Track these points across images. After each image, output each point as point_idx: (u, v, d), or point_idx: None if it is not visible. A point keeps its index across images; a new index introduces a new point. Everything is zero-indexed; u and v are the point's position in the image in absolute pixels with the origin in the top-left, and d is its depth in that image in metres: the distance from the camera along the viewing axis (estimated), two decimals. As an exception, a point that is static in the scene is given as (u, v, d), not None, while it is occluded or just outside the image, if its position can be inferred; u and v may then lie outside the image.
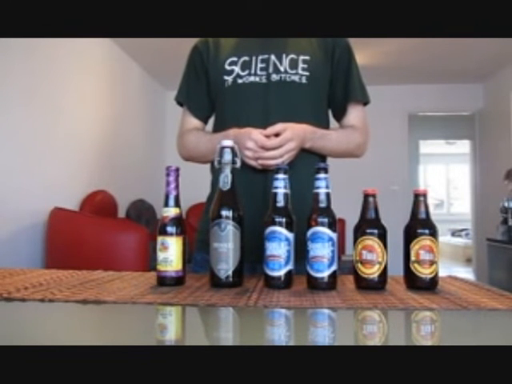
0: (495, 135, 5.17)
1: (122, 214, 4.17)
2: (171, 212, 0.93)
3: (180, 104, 1.35)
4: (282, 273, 0.88)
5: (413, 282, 0.89)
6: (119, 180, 4.20)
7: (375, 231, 0.89)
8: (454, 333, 0.67)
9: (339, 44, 1.26)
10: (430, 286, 0.88)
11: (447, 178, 10.86)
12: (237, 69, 1.21)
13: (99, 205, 3.61)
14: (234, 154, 0.94)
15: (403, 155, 5.67)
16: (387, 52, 4.49)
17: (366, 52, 4.51)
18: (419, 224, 0.90)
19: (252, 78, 1.20)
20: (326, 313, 0.75)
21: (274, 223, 0.89)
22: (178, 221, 0.92)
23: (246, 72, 1.21)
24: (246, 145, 1.09)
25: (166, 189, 0.94)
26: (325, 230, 0.88)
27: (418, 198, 0.91)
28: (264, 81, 1.20)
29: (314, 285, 0.88)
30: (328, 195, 0.91)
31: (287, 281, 0.89)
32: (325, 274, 0.88)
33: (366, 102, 1.30)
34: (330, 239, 0.88)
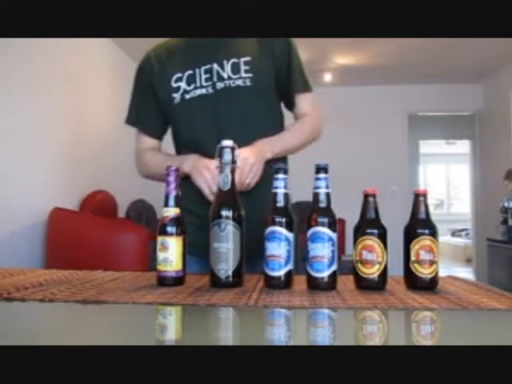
0: (495, 135, 5.17)
1: (122, 214, 4.17)
2: (171, 212, 0.93)
3: (132, 125, 1.36)
4: (281, 273, 0.88)
5: (413, 282, 0.89)
6: (119, 180, 4.20)
7: (375, 231, 0.89)
8: (454, 333, 0.67)
9: (278, 38, 1.26)
10: (430, 285, 0.88)
11: (447, 178, 10.86)
12: (183, 84, 1.22)
13: (99, 205, 3.61)
14: (234, 154, 0.94)
15: (403, 155, 5.67)
16: (387, 52, 4.49)
17: (366, 52, 4.52)
18: (419, 224, 0.89)
19: (199, 91, 1.21)
20: (326, 313, 0.75)
21: (273, 223, 0.89)
22: (177, 221, 0.92)
23: (192, 86, 1.21)
24: (202, 174, 1.10)
25: (166, 189, 0.94)
26: (325, 230, 0.88)
27: (418, 198, 0.91)
28: (211, 91, 1.21)
29: (314, 285, 0.88)
30: (328, 195, 0.91)
31: (287, 281, 0.89)
32: (325, 274, 0.87)
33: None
34: (330, 239, 0.88)
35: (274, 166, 0.94)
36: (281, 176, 0.92)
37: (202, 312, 0.74)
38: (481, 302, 0.77)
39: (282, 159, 1.25)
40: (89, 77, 3.79)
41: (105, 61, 4.06)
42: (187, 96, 1.22)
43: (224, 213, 0.90)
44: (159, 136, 1.35)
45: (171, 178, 0.94)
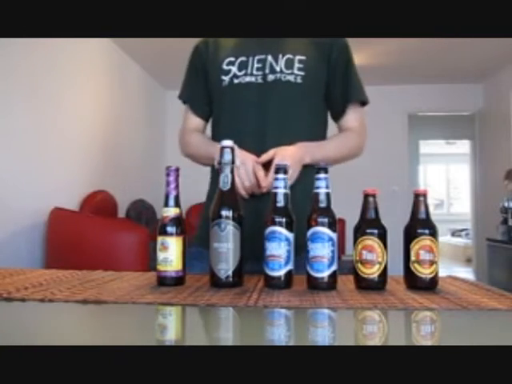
0: (495, 135, 5.17)
1: (122, 214, 4.17)
2: (171, 212, 0.93)
3: (183, 102, 1.37)
4: (281, 273, 0.88)
5: (413, 282, 0.89)
6: (119, 180, 4.20)
7: (375, 231, 0.89)
8: (454, 333, 0.67)
9: (337, 44, 1.26)
10: (430, 285, 0.88)
11: (447, 178, 10.86)
12: (234, 69, 1.23)
13: (99, 205, 3.61)
14: (234, 154, 0.94)
15: (403, 155, 5.67)
16: (387, 52, 4.49)
17: (366, 52, 4.51)
18: (419, 224, 0.89)
19: (248, 78, 1.22)
20: (326, 313, 0.75)
21: (274, 223, 0.89)
22: (178, 221, 0.92)
23: (243, 72, 1.22)
24: (238, 168, 1.08)
25: (166, 189, 0.94)
26: (325, 230, 0.88)
27: (418, 198, 0.91)
28: (260, 81, 1.21)
29: (314, 285, 0.88)
30: (328, 195, 0.91)
31: (287, 281, 0.89)
32: (325, 274, 0.87)
33: (364, 103, 1.30)
34: (330, 239, 0.88)
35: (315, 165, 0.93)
36: (281, 176, 0.92)
37: (202, 312, 0.74)
38: (481, 302, 0.77)
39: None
40: (88, 76, 3.79)
41: (105, 61, 4.07)
42: (236, 81, 1.22)
43: (224, 213, 0.90)
44: (206, 117, 1.36)
45: (171, 178, 0.94)
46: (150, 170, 4.94)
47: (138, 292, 0.84)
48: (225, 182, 0.93)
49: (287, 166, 0.94)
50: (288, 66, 1.21)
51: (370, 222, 0.90)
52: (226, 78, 1.23)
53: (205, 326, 0.72)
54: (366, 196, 0.92)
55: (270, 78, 1.21)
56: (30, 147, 2.97)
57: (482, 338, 0.63)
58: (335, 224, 0.89)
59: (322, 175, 0.91)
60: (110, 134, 4.10)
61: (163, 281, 0.90)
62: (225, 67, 1.24)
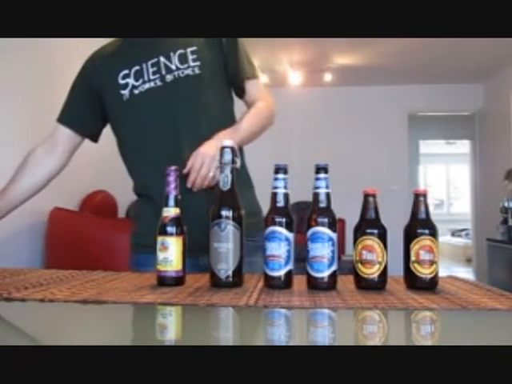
0: (495, 135, 5.17)
1: (122, 214, 4.17)
2: (171, 212, 0.93)
3: (64, 125, 1.37)
4: (281, 273, 0.88)
5: (413, 282, 0.89)
6: (119, 180, 4.18)
7: (375, 231, 0.89)
8: (454, 333, 0.67)
9: None
10: (430, 285, 0.88)
11: (447, 178, 10.86)
12: (131, 80, 1.21)
13: (99, 205, 3.61)
14: (234, 154, 0.94)
15: (403, 155, 5.67)
16: (387, 52, 4.49)
17: (366, 52, 4.52)
18: (419, 224, 0.89)
19: (147, 85, 1.20)
20: (326, 313, 0.75)
21: (274, 223, 0.89)
22: (177, 221, 0.92)
23: (140, 81, 1.21)
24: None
25: (166, 189, 0.94)
26: (325, 230, 0.88)
27: (418, 198, 0.91)
28: (159, 83, 1.20)
29: (314, 285, 0.88)
30: (328, 195, 0.91)
31: (287, 281, 0.89)
32: (325, 273, 0.87)
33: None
34: (330, 239, 0.88)
35: (315, 165, 0.93)
36: (281, 176, 0.92)
37: (202, 312, 0.74)
38: (481, 302, 0.77)
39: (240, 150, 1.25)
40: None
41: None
42: (136, 91, 1.21)
43: (224, 213, 0.90)
44: (91, 136, 1.38)
45: (171, 178, 0.94)
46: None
47: (138, 292, 0.84)
48: (225, 182, 0.93)
49: (287, 165, 0.94)
50: (182, 60, 1.20)
51: (370, 222, 0.90)
52: (125, 92, 1.21)
53: (205, 326, 0.72)
54: (366, 196, 0.92)
55: (169, 78, 1.20)
56: (30, 147, 2.96)
57: (481, 338, 0.63)
58: (335, 224, 0.89)
59: (322, 175, 0.91)
60: (110, 134, 4.09)
61: (163, 281, 0.90)
62: (121, 81, 1.22)
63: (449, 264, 7.51)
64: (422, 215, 0.90)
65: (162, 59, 1.20)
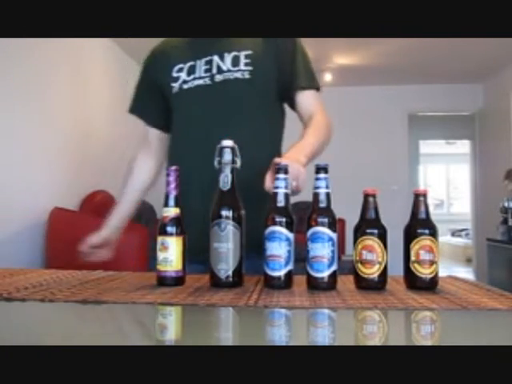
0: (495, 135, 5.17)
1: (122, 214, 4.16)
2: (171, 212, 0.93)
3: (132, 113, 1.42)
4: (282, 273, 0.88)
5: (413, 282, 0.89)
6: (119, 180, 4.19)
7: (375, 231, 0.89)
8: (454, 333, 0.67)
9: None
10: (430, 286, 0.88)
11: (447, 178, 10.86)
12: (183, 75, 1.23)
13: (99, 205, 3.61)
14: (234, 154, 0.94)
15: (403, 155, 5.67)
16: (387, 52, 4.49)
17: (366, 52, 4.51)
18: (419, 224, 0.89)
19: (197, 82, 1.22)
20: (326, 313, 0.75)
21: (274, 223, 0.89)
22: (178, 221, 0.92)
23: (192, 77, 1.22)
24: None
25: (166, 189, 0.94)
26: (325, 230, 0.88)
27: (418, 198, 0.91)
28: (208, 82, 1.21)
29: (314, 285, 0.88)
30: (328, 195, 0.91)
31: (287, 281, 0.89)
32: (325, 274, 0.87)
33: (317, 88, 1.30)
34: (330, 239, 0.88)
35: (315, 165, 0.93)
36: (281, 176, 0.92)
37: (202, 312, 0.74)
38: (481, 302, 0.77)
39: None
40: (88, 77, 3.79)
41: (105, 61, 4.06)
42: (185, 86, 1.22)
43: (224, 213, 0.90)
44: (162, 126, 1.37)
45: (171, 178, 0.94)
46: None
47: (138, 292, 0.84)
48: (225, 182, 0.93)
49: (287, 165, 0.94)
50: (234, 63, 1.20)
51: (370, 222, 0.90)
52: (175, 85, 1.24)
53: (205, 326, 0.72)
54: (366, 196, 0.92)
55: (218, 78, 1.20)
56: (30, 147, 2.97)
57: (481, 338, 0.63)
58: (335, 224, 0.89)
59: (321, 175, 0.91)
60: (110, 134, 4.10)
61: (163, 281, 0.90)
62: (174, 74, 1.24)
63: (449, 264, 7.51)
64: (422, 215, 0.90)
65: (215, 58, 1.21)
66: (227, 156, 0.93)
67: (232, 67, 1.20)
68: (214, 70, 1.21)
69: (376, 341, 0.64)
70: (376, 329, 0.71)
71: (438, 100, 5.59)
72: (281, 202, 0.91)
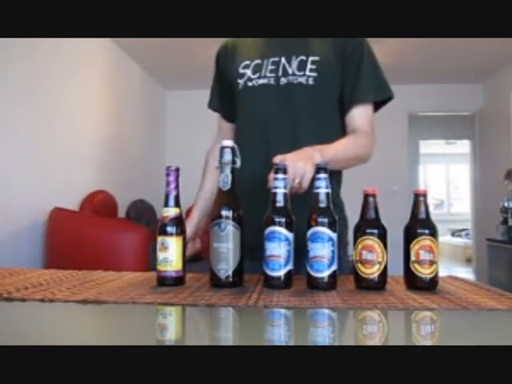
0: (495, 135, 5.17)
1: (122, 214, 4.17)
2: (171, 212, 0.93)
3: (215, 111, 1.41)
4: (281, 273, 0.88)
5: (413, 282, 0.89)
6: (119, 180, 4.20)
7: (375, 231, 0.89)
8: (454, 333, 0.67)
9: (351, 41, 1.22)
10: (430, 286, 0.88)
11: (447, 178, 10.86)
12: (249, 72, 1.24)
13: (99, 205, 3.61)
14: (234, 154, 0.94)
15: (403, 155, 5.67)
16: (388, 52, 4.49)
17: (366, 52, 4.51)
18: (419, 224, 0.89)
19: (261, 81, 1.22)
20: (326, 313, 0.75)
21: (273, 223, 0.89)
22: (178, 221, 0.92)
23: (257, 75, 1.23)
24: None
25: (166, 189, 0.94)
26: (325, 230, 0.88)
27: (418, 198, 0.91)
28: (273, 83, 1.21)
29: (314, 285, 0.88)
30: (328, 195, 0.91)
31: (287, 281, 0.89)
32: (325, 274, 0.87)
33: (380, 102, 1.26)
34: (330, 239, 0.88)
35: (315, 165, 0.93)
36: (281, 176, 0.92)
37: (202, 312, 0.74)
38: (481, 302, 0.77)
39: (336, 173, 1.20)
40: (88, 77, 3.79)
41: (105, 61, 4.06)
42: (250, 83, 1.23)
43: (224, 213, 0.90)
44: (233, 119, 1.36)
45: (171, 178, 0.94)
46: (150, 170, 4.94)
47: (138, 292, 0.84)
48: (225, 182, 0.93)
49: (286, 165, 0.93)
50: (300, 67, 1.20)
51: (370, 222, 0.90)
52: (240, 82, 1.25)
53: (205, 326, 0.72)
54: (366, 196, 0.92)
55: (283, 81, 1.20)
56: (30, 147, 2.97)
57: (482, 338, 0.63)
58: (335, 224, 0.89)
59: (321, 175, 0.91)
60: (110, 134, 4.10)
61: (163, 281, 0.90)
62: (240, 70, 1.25)
63: (449, 264, 7.51)
64: (422, 215, 0.90)
65: (282, 60, 1.21)
66: (227, 156, 0.93)
67: (297, 71, 1.20)
68: (280, 72, 1.21)
69: (376, 341, 0.64)
70: (376, 329, 0.71)
71: (438, 100, 5.59)
72: (280, 202, 0.91)
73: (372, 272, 0.88)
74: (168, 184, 0.93)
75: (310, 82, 1.19)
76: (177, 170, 0.94)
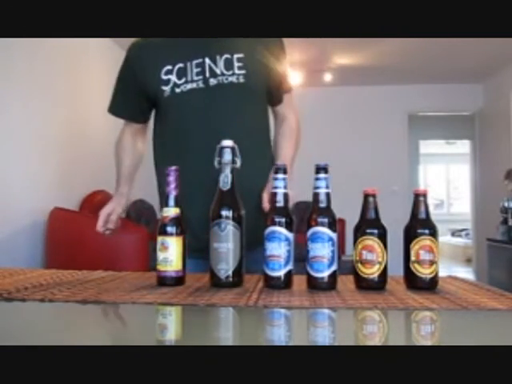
0: (495, 135, 5.17)
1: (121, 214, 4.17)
2: (171, 212, 0.93)
3: (114, 115, 1.38)
4: (281, 273, 0.88)
5: (413, 282, 0.89)
6: (119, 180, 4.19)
7: (375, 231, 0.89)
8: (454, 333, 0.67)
9: (271, 39, 1.26)
10: (430, 286, 0.88)
11: (447, 178, 10.86)
12: (173, 78, 1.18)
13: (99, 205, 3.59)
14: (234, 154, 0.94)
15: (403, 155, 5.67)
16: (387, 52, 4.49)
17: (366, 52, 4.51)
18: (419, 224, 0.89)
19: (189, 86, 1.18)
20: (326, 313, 0.75)
21: (273, 223, 0.89)
22: (177, 221, 0.92)
23: (183, 80, 1.18)
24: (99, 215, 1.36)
25: (165, 189, 0.94)
26: (325, 230, 0.88)
27: (418, 198, 0.91)
28: (201, 86, 1.18)
29: (314, 285, 0.88)
30: (328, 195, 0.91)
31: (287, 281, 0.89)
32: (325, 274, 0.87)
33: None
34: (330, 239, 0.88)
35: (315, 165, 0.93)
36: (280, 176, 0.92)
37: (202, 312, 0.74)
38: (481, 302, 0.77)
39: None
40: (88, 77, 3.79)
41: (105, 61, 4.06)
42: (177, 90, 1.18)
43: (224, 213, 0.90)
44: (143, 121, 1.36)
45: (171, 178, 0.94)
46: (150, 170, 4.93)
47: (138, 292, 0.84)
48: (225, 182, 0.93)
49: (286, 166, 0.94)
50: (228, 66, 1.19)
51: (370, 222, 0.90)
52: (166, 88, 1.19)
53: (205, 326, 0.72)
54: (366, 196, 0.92)
55: (212, 82, 1.18)
56: (30, 147, 2.97)
57: (482, 338, 0.63)
58: (335, 224, 0.89)
59: (321, 175, 0.91)
60: (110, 134, 4.09)
61: (163, 281, 0.90)
62: (163, 77, 1.19)
63: (449, 264, 7.51)
64: (422, 215, 0.90)
65: (207, 60, 1.19)
66: (227, 156, 0.93)
67: (226, 71, 1.18)
68: (208, 74, 1.18)
69: (376, 341, 0.64)
70: (376, 329, 0.71)
71: (438, 100, 5.59)
72: (280, 202, 0.91)
73: (372, 272, 0.88)
74: (168, 184, 0.93)
75: (241, 79, 1.19)
76: (177, 170, 0.94)
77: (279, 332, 0.68)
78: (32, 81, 2.98)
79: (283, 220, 0.89)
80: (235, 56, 1.19)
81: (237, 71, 1.19)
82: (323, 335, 0.67)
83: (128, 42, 1.37)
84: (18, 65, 2.84)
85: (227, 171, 0.93)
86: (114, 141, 1.43)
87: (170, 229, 0.91)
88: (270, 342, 0.62)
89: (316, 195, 0.91)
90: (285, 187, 0.92)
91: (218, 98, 1.18)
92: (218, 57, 1.19)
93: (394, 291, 0.87)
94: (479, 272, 5.47)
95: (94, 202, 3.60)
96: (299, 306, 0.75)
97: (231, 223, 0.90)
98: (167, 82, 1.19)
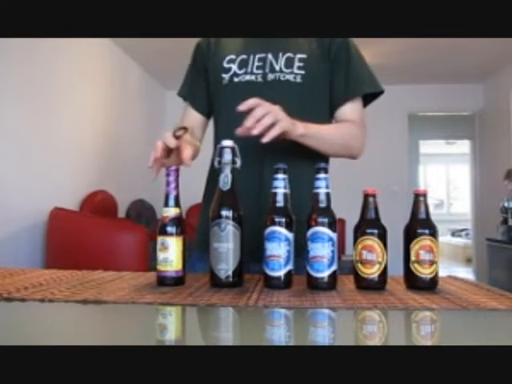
0: (495, 135, 5.17)
1: (122, 214, 4.17)
2: (171, 212, 0.93)
3: (183, 98, 1.36)
4: (281, 273, 0.88)
5: (413, 282, 0.89)
6: (119, 180, 4.20)
7: (375, 231, 0.89)
8: (454, 333, 0.67)
9: (335, 41, 1.24)
10: (430, 285, 0.88)
11: (447, 178, 10.86)
12: (234, 67, 1.22)
13: (99, 205, 3.61)
14: (234, 154, 0.94)
15: (403, 155, 5.67)
16: (387, 52, 4.49)
17: (366, 52, 4.50)
18: (419, 224, 0.89)
19: (248, 77, 1.21)
20: (326, 313, 0.75)
21: (273, 223, 0.89)
22: (178, 221, 0.92)
23: (243, 70, 1.21)
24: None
25: (166, 189, 0.94)
26: (325, 230, 0.88)
27: (418, 198, 0.91)
28: (260, 79, 1.20)
29: (314, 285, 0.88)
30: (328, 195, 0.91)
31: (287, 281, 0.89)
32: (325, 273, 0.87)
33: (370, 98, 1.29)
34: (330, 239, 0.88)
35: (315, 165, 0.92)
36: (280, 176, 0.92)
37: (202, 312, 0.74)
38: (481, 302, 0.77)
39: (324, 159, 1.16)
40: (89, 77, 3.79)
41: (105, 61, 4.06)
42: (236, 79, 1.21)
43: (224, 213, 0.90)
44: (206, 113, 1.34)
45: (171, 178, 0.94)
46: (150, 170, 4.93)
47: (138, 292, 0.84)
48: (225, 182, 0.93)
49: (286, 166, 0.93)
50: (288, 64, 1.20)
51: (370, 222, 0.90)
52: (225, 76, 1.22)
53: (205, 326, 0.72)
54: (366, 196, 0.92)
55: (270, 77, 1.20)
56: (30, 147, 2.97)
57: (481, 338, 0.63)
58: (335, 224, 0.89)
59: (321, 175, 0.91)
60: (110, 134, 4.10)
61: (163, 281, 0.90)
62: (225, 65, 1.23)
63: (449, 264, 7.51)
64: (422, 215, 0.90)
65: (269, 56, 1.20)
66: (227, 156, 0.93)
67: (285, 68, 1.19)
68: (267, 69, 1.20)
69: (376, 341, 0.64)
70: (376, 329, 0.71)
71: (438, 100, 5.59)
72: (280, 202, 0.91)
73: (372, 272, 0.88)
74: (168, 184, 0.93)
75: (298, 79, 1.19)
76: (177, 170, 0.94)
77: (279, 332, 0.68)
78: (31, 81, 2.98)
79: (283, 220, 0.89)
80: (297, 56, 1.20)
81: (296, 70, 1.19)
82: (323, 335, 0.67)
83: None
84: (17, 65, 2.84)
85: (227, 171, 0.93)
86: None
87: (170, 229, 0.91)
88: (270, 342, 0.62)
89: (316, 195, 0.91)
90: (285, 187, 0.92)
91: (272, 93, 1.17)
92: (280, 54, 1.20)
93: (394, 291, 0.87)
94: (479, 272, 5.47)
95: (94, 202, 3.60)
96: (299, 306, 0.75)
97: (231, 223, 0.90)
98: (228, 70, 1.22)
